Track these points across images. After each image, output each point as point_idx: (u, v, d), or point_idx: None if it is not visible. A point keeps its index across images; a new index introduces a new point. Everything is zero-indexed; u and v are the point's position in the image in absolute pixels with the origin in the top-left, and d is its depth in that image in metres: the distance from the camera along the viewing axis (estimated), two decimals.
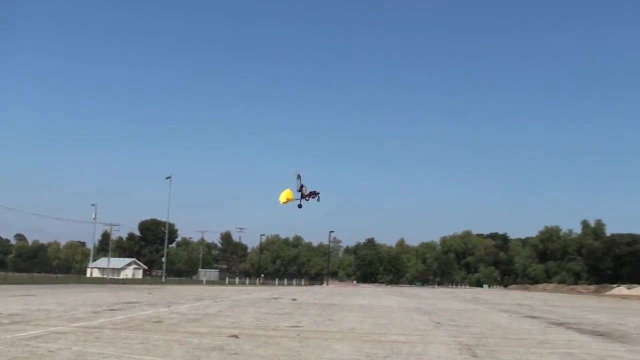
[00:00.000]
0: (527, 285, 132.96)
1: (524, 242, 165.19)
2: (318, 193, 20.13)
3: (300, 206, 20.29)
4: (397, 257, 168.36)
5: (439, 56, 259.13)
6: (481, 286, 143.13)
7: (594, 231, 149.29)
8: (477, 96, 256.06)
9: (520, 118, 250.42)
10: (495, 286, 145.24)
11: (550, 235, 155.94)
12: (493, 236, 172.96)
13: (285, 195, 20.34)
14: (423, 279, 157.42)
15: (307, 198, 20.07)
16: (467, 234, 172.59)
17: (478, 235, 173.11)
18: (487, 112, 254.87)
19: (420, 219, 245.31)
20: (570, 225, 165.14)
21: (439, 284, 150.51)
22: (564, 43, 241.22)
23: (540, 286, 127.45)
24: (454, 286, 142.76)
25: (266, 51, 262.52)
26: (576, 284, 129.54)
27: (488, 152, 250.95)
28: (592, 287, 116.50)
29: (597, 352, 12.57)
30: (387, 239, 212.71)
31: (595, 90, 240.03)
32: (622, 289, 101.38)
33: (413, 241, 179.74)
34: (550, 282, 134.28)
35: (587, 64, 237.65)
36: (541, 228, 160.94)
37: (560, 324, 21.22)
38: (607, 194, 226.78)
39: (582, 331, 18.31)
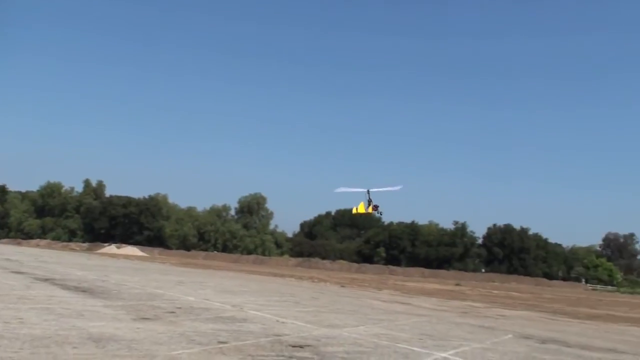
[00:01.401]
0: (20, 240, 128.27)
1: (24, 195, 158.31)
2: (378, 206, 24.29)
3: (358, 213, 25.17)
4: None
5: None
6: None
7: (95, 191, 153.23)
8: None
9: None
10: None
11: (51, 190, 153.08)
12: None
13: (360, 208, 24.70)
14: None
15: (374, 210, 24.28)
16: None
17: None
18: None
19: None
20: (74, 183, 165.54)
21: None
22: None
23: (33, 242, 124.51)
24: None
25: None
26: (70, 241, 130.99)
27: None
28: (86, 244, 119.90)
29: (75, 307, 13.10)
30: None
31: None
32: (112, 248, 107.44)
33: None
34: (45, 238, 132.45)
35: None
36: (43, 183, 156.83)
37: (46, 280, 21.27)
38: (110, 156, 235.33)
39: (66, 287, 18.75)
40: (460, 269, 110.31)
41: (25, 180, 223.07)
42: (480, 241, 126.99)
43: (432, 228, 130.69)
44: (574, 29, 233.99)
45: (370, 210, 24.46)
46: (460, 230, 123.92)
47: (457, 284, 64.26)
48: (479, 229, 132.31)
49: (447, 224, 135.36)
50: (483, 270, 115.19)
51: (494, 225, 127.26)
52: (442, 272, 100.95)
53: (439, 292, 40.94)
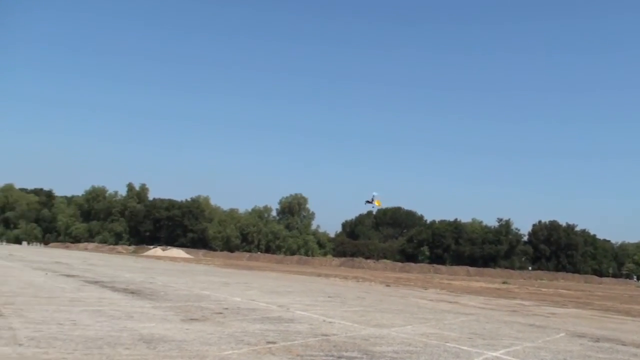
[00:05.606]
0: (69, 244, 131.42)
1: (70, 200, 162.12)
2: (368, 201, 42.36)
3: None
4: None
5: None
6: (20, 243, 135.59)
7: (138, 194, 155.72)
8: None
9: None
10: (35, 243, 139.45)
11: (96, 195, 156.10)
12: (37, 192, 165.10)
13: (378, 203, 42.22)
14: None
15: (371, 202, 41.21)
16: (9, 188, 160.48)
17: (21, 189, 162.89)
18: None
19: None
20: (117, 187, 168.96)
21: None
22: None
23: (82, 245, 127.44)
24: None
25: None
26: (117, 244, 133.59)
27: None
28: (132, 247, 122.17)
29: (125, 309, 13.28)
30: None
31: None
32: (157, 250, 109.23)
33: None
34: (93, 242, 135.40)
35: None
36: (88, 187, 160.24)
37: (96, 282, 21.67)
38: (152, 160, 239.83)
39: (115, 289, 19.05)
40: (506, 267, 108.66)
41: (70, 185, 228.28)
42: (525, 238, 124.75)
43: (476, 226, 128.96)
44: None
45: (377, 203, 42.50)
46: (505, 227, 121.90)
47: (504, 282, 63.24)
48: (523, 226, 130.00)
49: (490, 221, 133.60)
50: (530, 268, 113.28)
51: (539, 222, 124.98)
52: (488, 270, 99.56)
53: (485, 290, 40.30)
